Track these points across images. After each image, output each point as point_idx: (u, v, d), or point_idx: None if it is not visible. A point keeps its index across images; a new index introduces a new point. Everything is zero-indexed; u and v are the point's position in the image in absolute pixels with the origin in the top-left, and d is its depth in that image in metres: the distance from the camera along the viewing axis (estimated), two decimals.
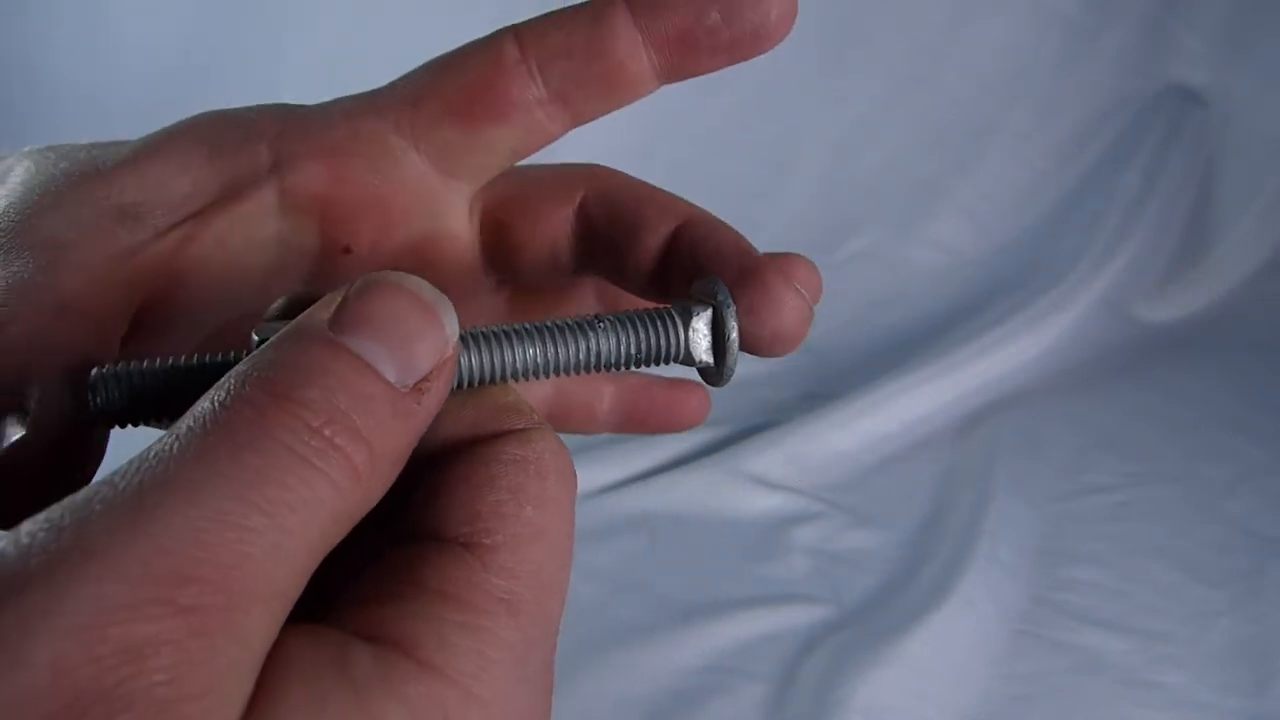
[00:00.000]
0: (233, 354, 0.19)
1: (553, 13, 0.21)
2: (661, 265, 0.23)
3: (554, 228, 0.24)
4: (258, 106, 0.23)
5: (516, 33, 0.22)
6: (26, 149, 0.25)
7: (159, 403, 0.19)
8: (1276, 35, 1.42)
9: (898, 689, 0.74)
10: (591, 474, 0.98)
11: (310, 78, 1.37)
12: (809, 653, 0.79)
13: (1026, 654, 0.80)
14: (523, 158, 0.23)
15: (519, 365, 0.20)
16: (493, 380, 0.20)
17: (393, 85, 0.23)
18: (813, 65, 1.42)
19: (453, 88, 0.22)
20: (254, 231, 0.23)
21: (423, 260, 0.23)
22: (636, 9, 0.21)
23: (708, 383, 0.23)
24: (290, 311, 0.18)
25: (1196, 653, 0.80)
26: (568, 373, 0.21)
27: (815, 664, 0.77)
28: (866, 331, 1.29)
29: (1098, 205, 1.39)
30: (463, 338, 0.19)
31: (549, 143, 0.23)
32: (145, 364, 0.19)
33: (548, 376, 0.21)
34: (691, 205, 0.24)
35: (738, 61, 0.22)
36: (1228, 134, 1.45)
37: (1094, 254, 1.32)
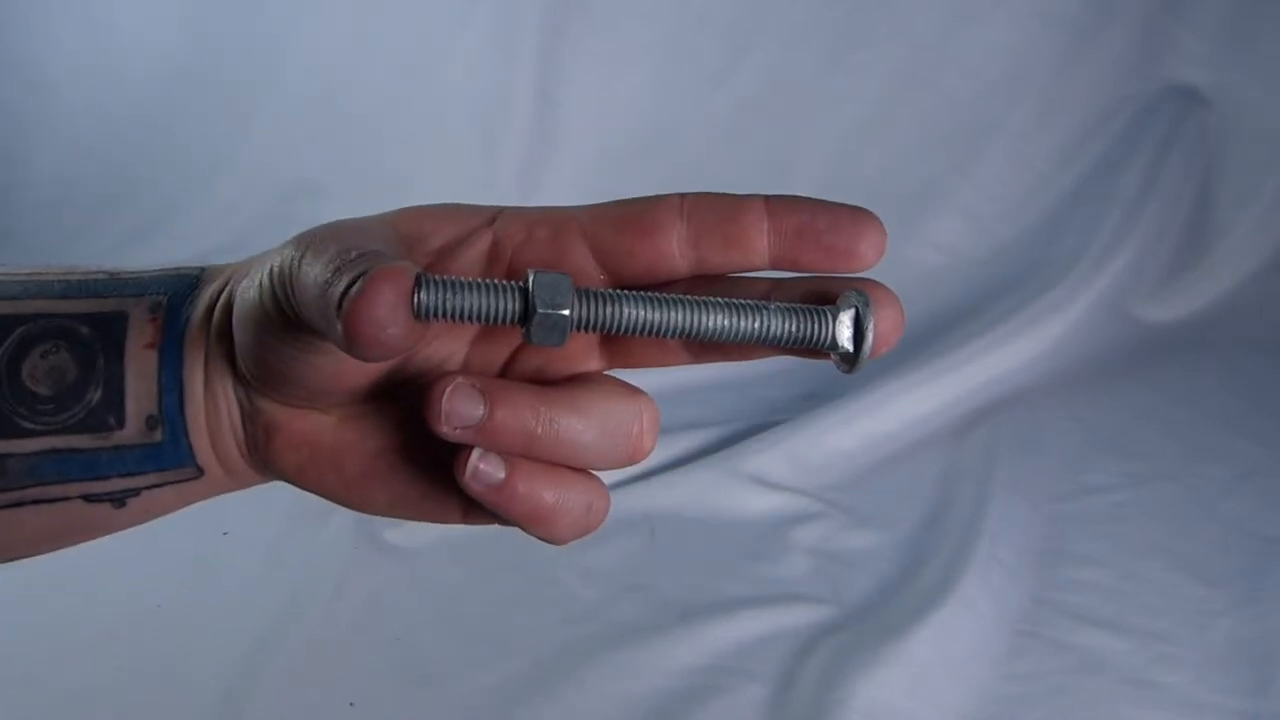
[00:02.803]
0: (512, 281, 0.26)
1: (714, 193, 0.29)
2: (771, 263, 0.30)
3: (665, 260, 0.30)
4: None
5: (682, 195, 0.29)
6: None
7: (459, 308, 0.26)
8: (1276, 35, 1.42)
9: (898, 689, 0.74)
10: None
11: (311, 78, 1.38)
12: (809, 653, 0.79)
13: (1026, 654, 0.80)
14: (653, 275, 0.30)
15: (712, 328, 0.27)
16: (691, 335, 0.27)
17: (583, 206, 0.31)
18: (813, 66, 1.42)
19: (625, 210, 0.30)
20: (472, 265, 0.31)
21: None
22: (771, 202, 0.29)
23: (844, 368, 0.29)
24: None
25: (1196, 653, 0.80)
26: (742, 341, 0.28)
27: (815, 664, 0.77)
28: None
29: (1098, 205, 1.39)
30: (694, 302, 0.27)
31: (671, 277, 0.30)
32: (453, 278, 0.26)
33: (727, 341, 0.28)
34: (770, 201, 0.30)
35: (835, 271, 0.29)
36: (1228, 134, 1.45)
37: (1094, 254, 1.33)
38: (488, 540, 0.91)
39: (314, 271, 0.26)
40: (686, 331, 0.27)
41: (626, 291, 0.27)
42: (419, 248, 0.31)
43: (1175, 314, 1.35)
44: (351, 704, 0.73)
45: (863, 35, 1.41)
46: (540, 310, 0.26)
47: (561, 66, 1.35)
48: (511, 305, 0.26)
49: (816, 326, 0.28)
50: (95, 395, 0.32)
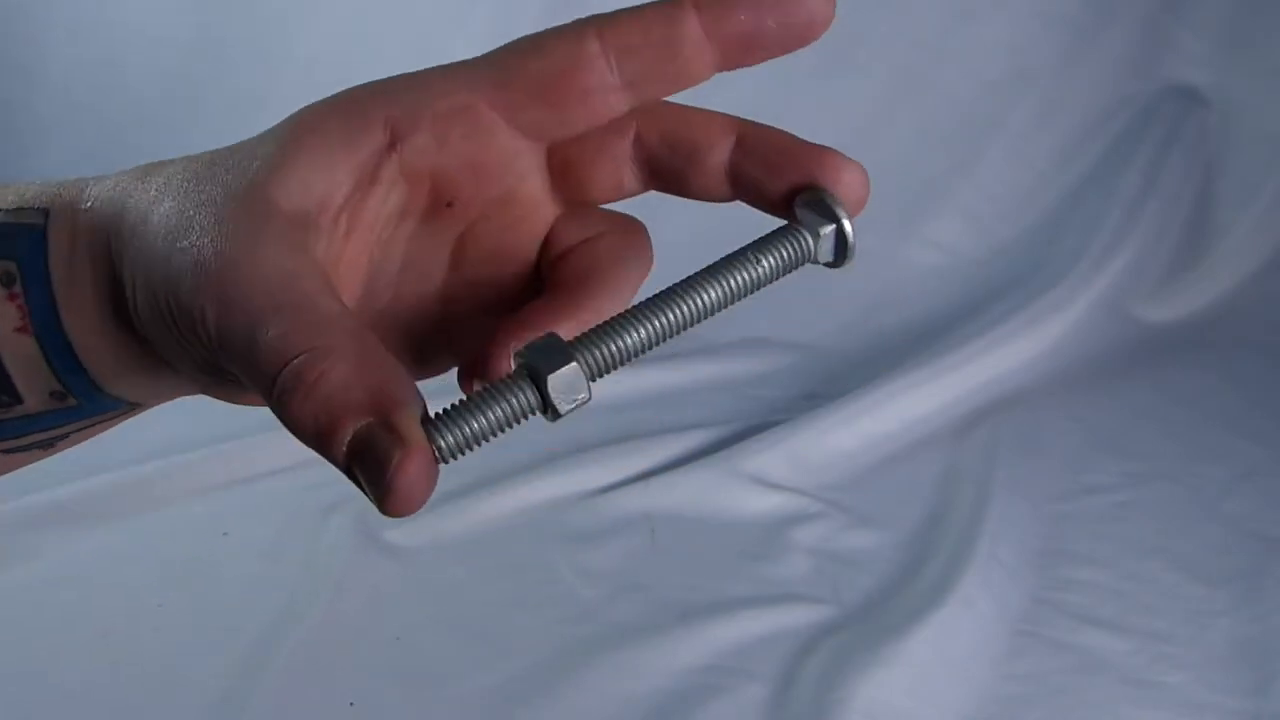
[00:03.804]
0: (508, 376, 0.24)
1: (630, 10, 0.25)
2: (727, 180, 0.28)
3: (615, 163, 0.28)
4: (357, 88, 0.26)
5: (598, 28, 0.25)
6: (141, 170, 0.28)
7: (481, 432, 0.24)
8: (1276, 35, 1.42)
9: (898, 689, 0.74)
10: (591, 474, 0.98)
11: (310, 77, 1.38)
12: (809, 653, 0.79)
13: (1026, 654, 0.80)
14: (591, 128, 0.27)
15: (708, 304, 0.26)
16: (693, 323, 0.26)
17: (479, 63, 0.26)
18: (813, 66, 1.42)
19: (539, 72, 0.26)
20: (385, 206, 0.27)
21: (508, 206, 0.28)
22: (703, 12, 0.25)
23: (833, 267, 0.28)
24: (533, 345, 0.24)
25: (1196, 653, 0.80)
26: (739, 298, 0.26)
27: (815, 664, 0.77)
28: (866, 331, 1.29)
29: (1098, 205, 1.39)
30: (686, 291, 0.25)
31: (613, 118, 0.27)
32: (461, 406, 0.23)
33: (728, 305, 0.26)
34: (737, 119, 0.28)
35: (782, 54, 0.26)
36: (1228, 134, 1.45)
37: (1094, 254, 1.32)
38: (488, 540, 0.91)
39: (251, 371, 0.23)
40: (687, 324, 0.26)
41: (618, 319, 0.25)
42: (319, 225, 0.25)
43: (1175, 314, 1.35)
44: (351, 704, 0.73)
45: (863, 35, 1.41)
46: (557, 404, 0.23)
47: None
48: (528, 401, 0.24)
49: (797, 250, 0.27)
50: None
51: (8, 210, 0.28)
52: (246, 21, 1.34)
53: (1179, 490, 1.01)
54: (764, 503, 0.97)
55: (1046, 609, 0.85)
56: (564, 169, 0.28)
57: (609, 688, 0.75)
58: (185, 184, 0.26)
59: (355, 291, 0.27)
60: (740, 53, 0.26)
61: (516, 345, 0.25)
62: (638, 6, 0.25)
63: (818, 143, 0.28)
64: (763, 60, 0.26)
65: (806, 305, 1.33)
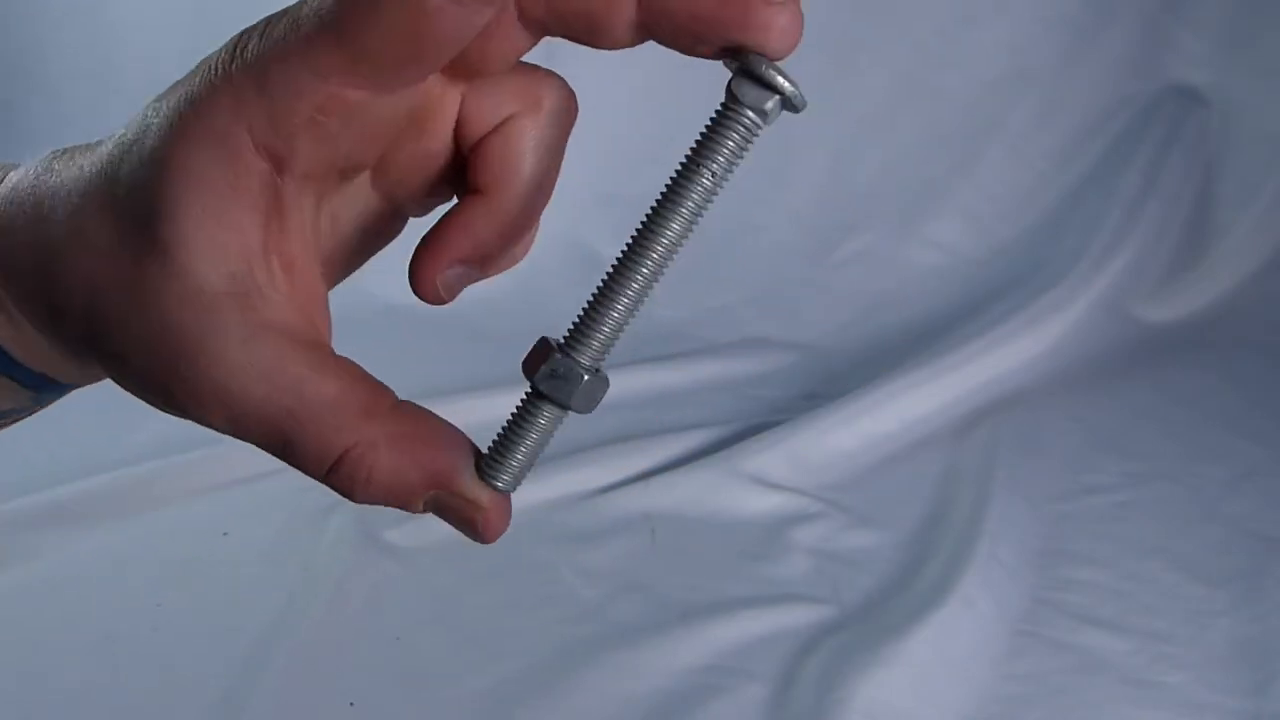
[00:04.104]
0: (526, 394, 0.25)
1: None
2: (637, 39, 0.24)
3: (506, 41, 0.25)
4: (205, 104, 0.23)
5: None
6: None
7: (530, 456, 0.25)
8: (1276, 35, 1.42)
9: (898, 689, 0.74)
10: (591, 474, 0.98)
11: None
12: (809, 653, 0.79)
13: (1026, 654, 0.80)
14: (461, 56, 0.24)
15: (684, 220, 0.24)
16: (677, 246, 0.24)
17: (314, 25, 0.22)
18: (813, 66, 1.41)
19: (383, 40, 0.22)
20: (303, 217, 0.25)
21: (410, 125, 0.25)
22: None
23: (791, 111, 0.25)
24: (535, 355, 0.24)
25: (1196, 653, 0.80)
26: (711, 197, 0.24)
27: (815, 664, 0.77)
28: (866, 331, 1.29)
29: (1098, 205, 1.39)
30: (657, 220, 0.24)
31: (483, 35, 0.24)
32: (501, 441, 0.25)
33: (704, 210, 0.24)
34: None
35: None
36: (1228, 134, 1.45)
37: (1094, 254, 1.33)
38: None
39: (290, 464, 0.24)
40: (664, 264, 0.24)
41: (599, 295, 0.24)
42: (257, 282, 0.23)
43: (1175, 314, 1.35)
44: (351, 704, 0.73)
45: (863, 36, 1.41)
46: (567, 403, 0.24)
47: (561, 67, 1.34)
48: (554, 417, 0.25)
49: (748, 135, 0.24)
50: None
51: None
52: (247, 23, 1.34)
53: (1179, 490, 1.01)
54: (764, 503, 0.97)
55: (1046, 609, 0.85)
56: (450, 67, 0.25)
57: (609, 688, 0.75)
58: (89, 239, 0.24)
59: (324, 284, 0.26)
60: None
61: (444, 269, 0.25)
62: None
63: None
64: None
65: (806, 305, 1.33)
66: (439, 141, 0.26)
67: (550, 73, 0.26)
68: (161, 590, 0.83)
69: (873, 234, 1.41)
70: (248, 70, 0.23)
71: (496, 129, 0.25)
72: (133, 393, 0.25)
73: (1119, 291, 1.32)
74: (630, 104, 1.35)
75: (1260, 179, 1.43)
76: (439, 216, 0.26)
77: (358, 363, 0.25)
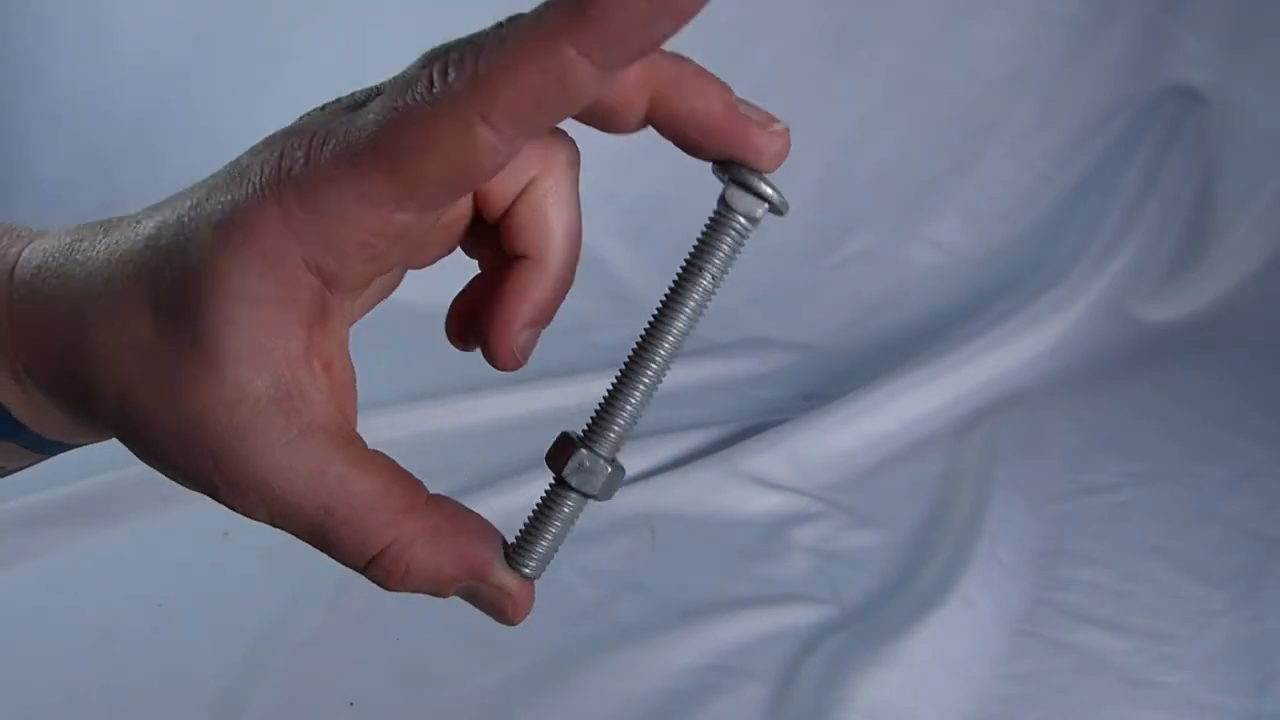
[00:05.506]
0: (550, 486, 0.27)
1: (500, 67, 0.22)
2: (643, 126, 0.26)
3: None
4: (254, 220, 0.23)
5: (481, 110, 0.22)
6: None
7: (554, 543, 0.28)
8: (1276, 35, 1.42)
9: (898, 689, 0.74)
10: None
11: (310, 78, 1.38)
12: (809, 653, 0.79)
13: (1026, 654, 0.80)
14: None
15: (685, 324, 0.27)
16: (678, 349, 0.27)
17: (365, 154, 0.23)
18: (813, 65, 1.42)
19: (438, 175, 0.23)
20: (342, 320, 0.26)
21: None
22: (580, 41, 0.21)
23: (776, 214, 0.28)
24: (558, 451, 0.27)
25: (1196, 653, 0.80)
26: (708, 301, 0.27)
27: (815, 664, 0.77)
28: (866, 331, 1.29)
29: (1098, 205, 1.39)
30: (661, 327, 0.26)
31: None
32: (527, 532, 0.27)
33: (701, 314, 0.27)
34: (649, 73, 0.25)
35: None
36: (1228, 134, 1.45)
37: (1094, 254, 1.32)
38: None
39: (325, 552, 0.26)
40: (669, 361, 0.27)
41: (614, 395, 0.27)
42: (299, 383, 0.24)
43: (1175, 314, 1.35)
44: (351, 704, 0.73)
45: (862, 35, 1.41)
46: (593, 493, 0.27)
47: None
48: (578, 506, 0.28)
49: (739, 239, 0.27)
50: None
51: None
52: (247, 23, 1.34)
53: (1179, 490, 1.01)
54: (764, 503, 0.97)
55: (1046, 609, 0.85)
56: None
57: (609, 688, 0.75)
58: (132, 340, 0.25)
59: (348, 361, 0.27)
60: (624, 58, 0.22)
61: (516, 336, 0.26)
62: (508, 61, 0.22)
63: (742, 105, 0.27)
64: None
65: (807, 305, 1.33)
66: (460, 215, 0.27)
67: (557, 129, 0.26)
68: (161, 590, 0.83)
69: (873, 234, 1.41)
70: (298, 191, 0.23)
71: (523, 195, 0.26)
72: (170, 478, 0.26)
73: (1119, 291, 1.32)
74: None
75: (1260, 179, 1.43)
76: (478, 280, 0.29)
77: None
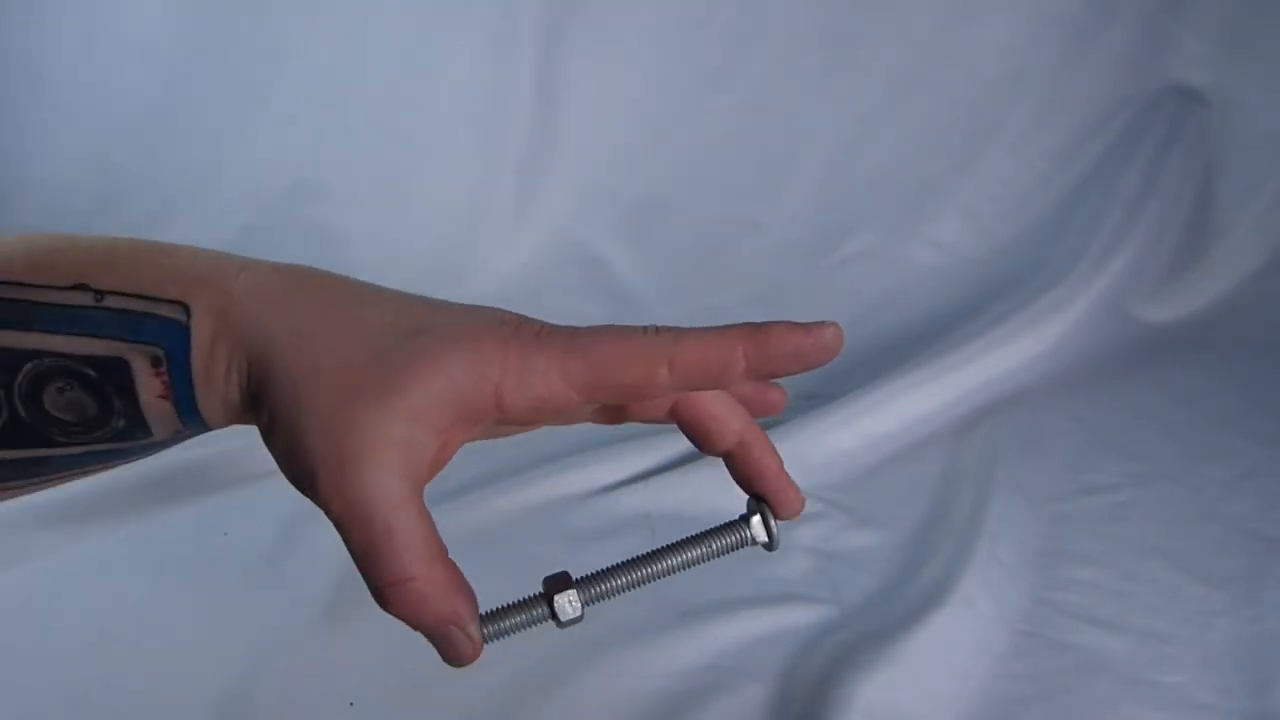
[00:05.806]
0: (536, 594, 0.39)
1: (694, 341, 0.32)
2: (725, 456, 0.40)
3: (656, 414, 0.39)
4: (478, 350, 0.32)
5: (670, 358, 0.31)
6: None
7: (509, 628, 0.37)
8: (1276, 35, 1.42)
9: (898, 689, 0.74)
10: (591, 474, 0.98)
11: (311, 77, 1.38)
12: (809, 653, 0.79)
13: (1026, 654, 0.80)
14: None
15: (671, 567, 0.38)
16: (656, 578, 0.38)
17: (575, 355, 0.32)
18: (813, 65, 1.42)
19: (620, 385, 0.32)
20: (475, 431, 0.35)
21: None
22: (750, 354, 0.32)
23: (767, 550, 0.39)
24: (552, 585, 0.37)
25: (1196, 653, 0.80)
26: (691, 566, 0.38)
27: (815, 664, 0.77)
28: (866, 331, 1.29)
29: (1098, 205, 1.39)
30: (657, 556, 0.38)
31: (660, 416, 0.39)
32: (499, 611, 0.38)
33: (675, 573, 0.38)
34: (748, 425, 0.40)
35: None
36: (1228, 134, 1.45)
37: (1094, 254, 1.33)
38: (488, 539, 0.91)
39: (356, 561, 0.34)
40: (652, 578, 0.38)
41: (610, 573, 0.38)
42: (426, 444, 0.32)
43: (1175, 314, 1.35)
44: (351, 704, 0.73)
45: (862, 35, 1.41)
46: (563, 620, 0.38)
47: (561, 66, 1.35)
48: (542, 613, 0.38)
49: (740, 543, 0.40)
50: (120, 423, 0.34)
51: (149, 298, 0.33)
52: (247, 23, 1.34)
53: (1179, 490, 1.01)
54: None
55: (1046, 609, 0.85)
56: (616, 411, 0.39)
57: (609, 688, 0.75)
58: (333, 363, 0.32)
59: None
60: (767, 375, 0.32)
61: (788, 490, 0.41)
62: (701, 340, 0.31)
63: (779, 469, 0.40)
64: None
65: (807, 305, 1.33)
66: (655, 413, 0.39)
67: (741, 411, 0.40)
68: (161, 590, 0.83)
69: (873, 234, 1.41)
70: (521, 348, 0.32)
71: (736, 454, 0.41)
72: (278, 462, 0.33)
73: (1119, 291, 1.32)
74: (631, 103, 1.35)
75: (1260, 179, 1.43)
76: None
77: None
